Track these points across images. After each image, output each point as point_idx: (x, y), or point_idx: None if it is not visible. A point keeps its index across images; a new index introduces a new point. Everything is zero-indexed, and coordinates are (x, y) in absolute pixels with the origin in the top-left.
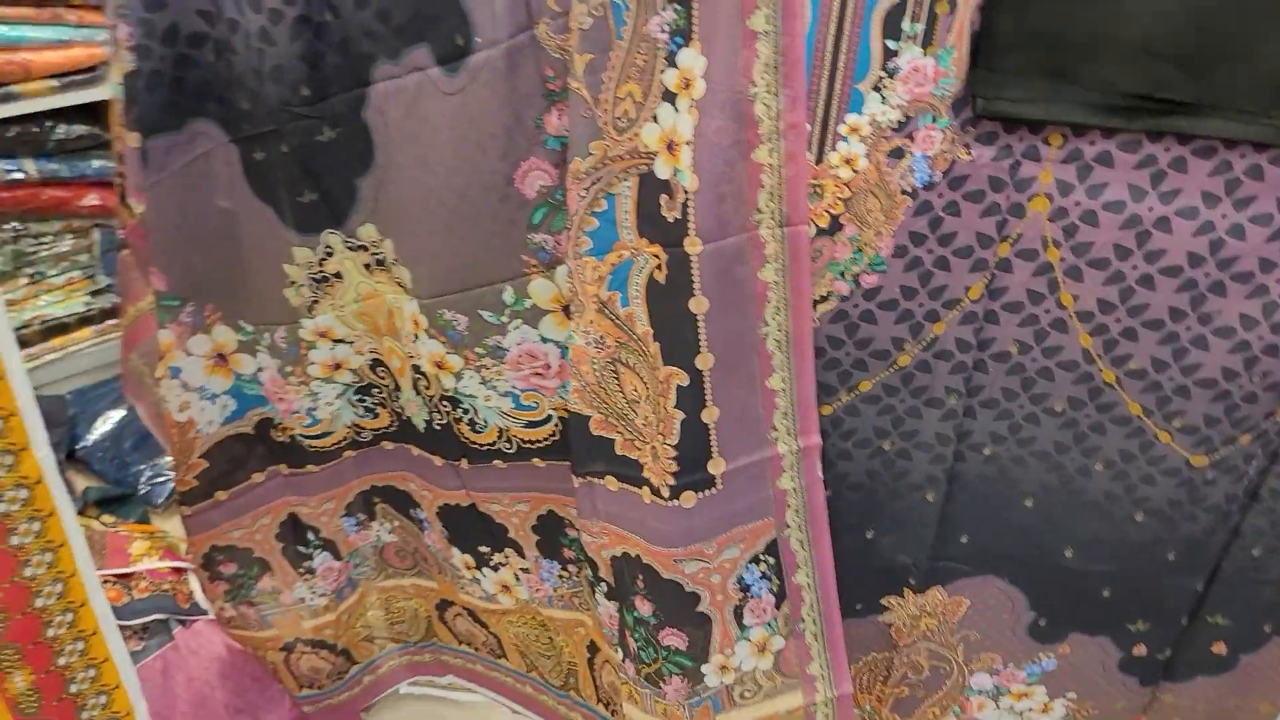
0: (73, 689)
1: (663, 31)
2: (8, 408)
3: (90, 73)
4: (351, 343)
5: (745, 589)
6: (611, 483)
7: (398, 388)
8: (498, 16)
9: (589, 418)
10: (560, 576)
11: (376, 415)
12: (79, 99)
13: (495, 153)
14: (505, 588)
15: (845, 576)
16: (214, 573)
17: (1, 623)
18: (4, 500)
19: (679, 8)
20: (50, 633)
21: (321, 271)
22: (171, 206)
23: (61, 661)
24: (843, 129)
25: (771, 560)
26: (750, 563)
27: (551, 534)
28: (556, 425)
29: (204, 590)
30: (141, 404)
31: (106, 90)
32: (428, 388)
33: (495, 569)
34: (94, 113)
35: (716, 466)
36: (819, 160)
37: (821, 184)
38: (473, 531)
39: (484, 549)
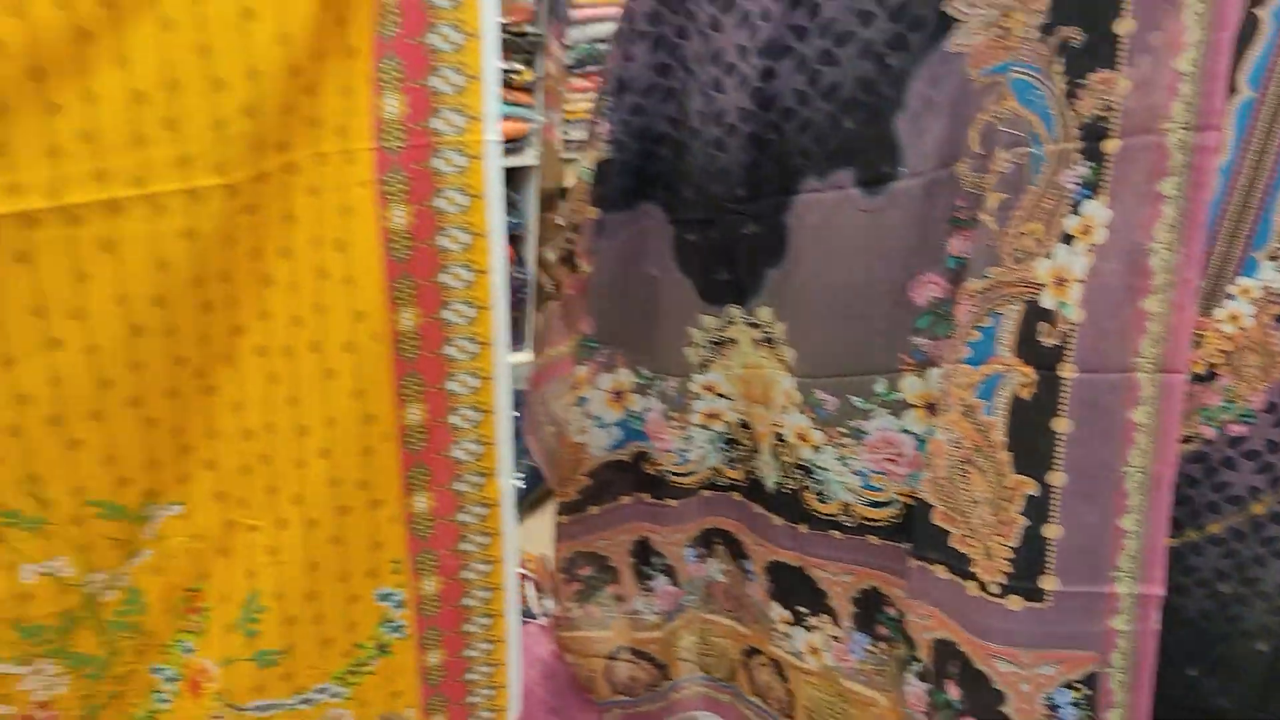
0: (469, 676)
1: (1073, 183)
2: (489, 436)
3: (513, 144)
4: (731, 400)
5: (1053, 708)
6: (942, 570)
7: (756, 450)
8: (926, 153)
9: (933, 508)
10: (868, 651)
11: (734, 468)
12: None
13: (896, 264)
14: (814, 650)
15: (1159, 711)
16: (572, 575)
17: (435, 608)
18: (466, 511)
19: (1093, 165)
20: (466, 628)
21: (721, 336)
22: (611, 268)
23: (468, 653)
24: (1233, 289)
25: (1088, 692)
26: (1064, 686)
27: (870, 609)
28: (899, 509)
29: (557, 591)
30: (532, 436)
31: (524, 158)
32: (785, 455)
33: (808, 630)
34: (508, 177)
35: (1049, 583)
36: (1205, 313)
37: (1204, 335)
38: (795, 591)
39: (802, 609)
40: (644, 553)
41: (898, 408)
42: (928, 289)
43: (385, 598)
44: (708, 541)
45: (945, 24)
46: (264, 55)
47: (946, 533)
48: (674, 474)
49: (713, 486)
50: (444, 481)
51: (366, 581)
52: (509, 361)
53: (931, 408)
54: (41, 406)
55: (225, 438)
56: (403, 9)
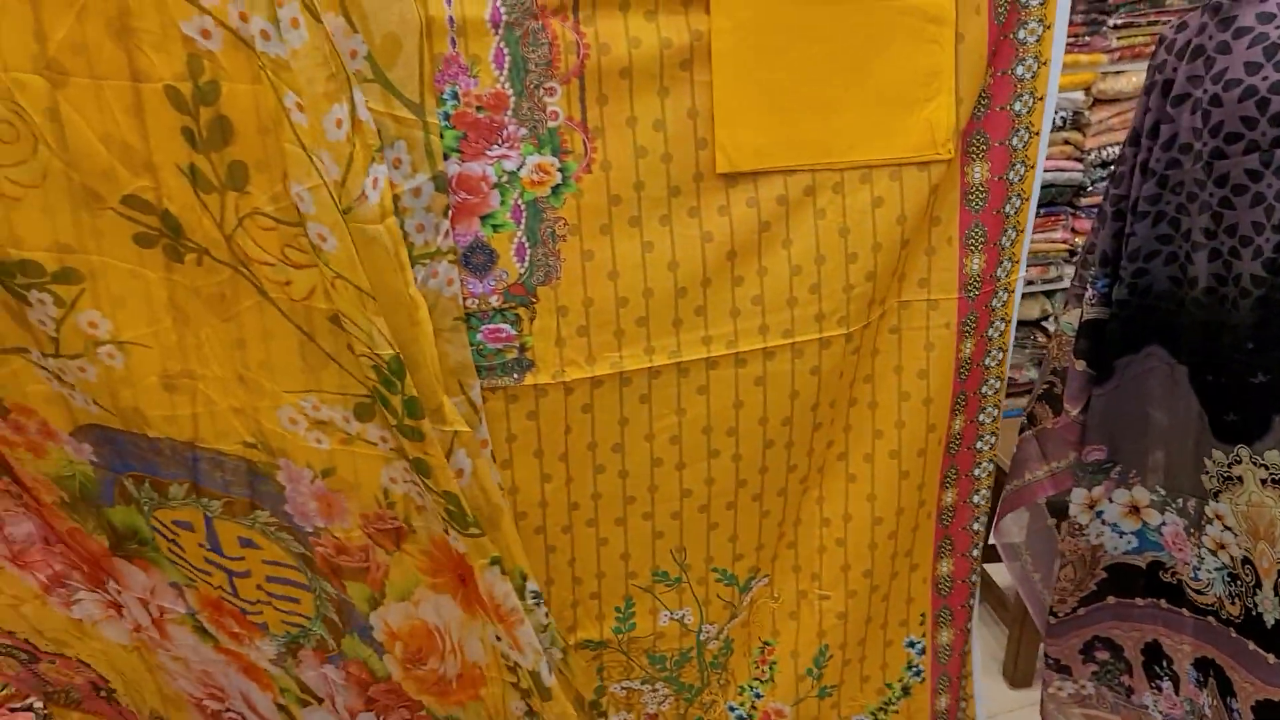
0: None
1: None
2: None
3: None
4: (1236, 535)
5: None
6: None
7: (1257, 586)
8: None
9: None
10: None
11: (1234, 602)
12: None
13: None
14: None
15: None
16: (1089, 656)
17: (947, 656)
18: (977, 574)
19: None
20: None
21: (1229, 472)
22: (1116, 403)
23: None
24: None
25: None
26: None
27: None
28: None
29: (1074, 669)
30: (1011, 561)
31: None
32: None
33: None
34: None
35: None
36: None
37: None
38: None
39: None
40: (1155, 654)
41: None
42: None
43: (911, 645)
44: (1204, 670)
45: None
46: (886, 233)
47: None
48: (1191, 587)
49: (1215, 615)
50: (963, 550)
51: (900, 630)
52: None
53: None
54: (697, 499)
55: (805, 524)
56: (989, 187)
